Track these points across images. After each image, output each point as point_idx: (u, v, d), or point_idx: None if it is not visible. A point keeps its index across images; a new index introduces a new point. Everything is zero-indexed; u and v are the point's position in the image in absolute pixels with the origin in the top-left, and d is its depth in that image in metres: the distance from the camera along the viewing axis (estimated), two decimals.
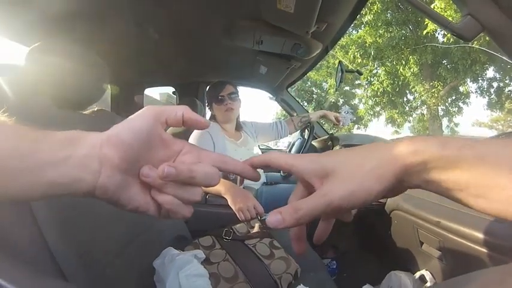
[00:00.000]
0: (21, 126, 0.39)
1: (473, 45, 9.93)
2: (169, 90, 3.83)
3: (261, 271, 1.22)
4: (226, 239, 1.37)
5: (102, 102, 1.33)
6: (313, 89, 21.82)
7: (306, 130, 2.51)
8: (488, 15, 0.84)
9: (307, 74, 3.22)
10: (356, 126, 19.56)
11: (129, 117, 0.43)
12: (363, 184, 0.40)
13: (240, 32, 1.99)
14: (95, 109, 1.35)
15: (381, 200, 1.70)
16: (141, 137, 0.42)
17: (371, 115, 18.19)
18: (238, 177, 1.80)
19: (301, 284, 1.19)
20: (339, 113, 2.56)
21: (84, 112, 1.29)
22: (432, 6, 11.78)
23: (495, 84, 16.09)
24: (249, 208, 1.57)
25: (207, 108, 2.52)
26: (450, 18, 0.92)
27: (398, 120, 18.05)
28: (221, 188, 1.69)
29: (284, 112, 3.50)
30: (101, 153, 0.40)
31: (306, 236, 0.53)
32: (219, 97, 2.18)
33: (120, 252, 1.05)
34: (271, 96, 3.49)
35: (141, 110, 0.44)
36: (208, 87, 2.40)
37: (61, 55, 1.07)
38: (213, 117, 2.30)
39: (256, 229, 1.49)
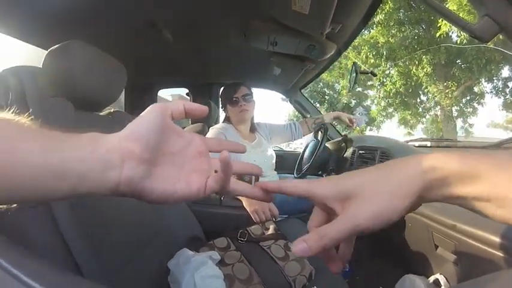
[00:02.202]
0: (44, 128, 0.42)
1: (488, 45, 9.82)
2: (181, 91, 3.85)
3: (276, 273, 1.22)
4: (241, 240, 1.38)
5: (116, 104, 1.34)
6: (326, 90, 21.75)
7: (320, 132, 2.50)
8: (506, 15, 0.83)
9: (320, 75, 3.22)
10: (368, 127, 19.44)
11: (140, 115, 0.46)
12: (387, 204, 0.40)
13: (255, 33, 1.99)
14: (111, 110, 1.36)
15: None
16: (155, 129, 0.44)
17: (384, 116, 18.03)
18: (253, 179, 1.79)
19: (315, 286, 1.19)
20: (353, 114, 2.55)
21: (101, 113, 1.31)
22: (446, 6, 11.69)
23: (511, 84, 15.79)
24: (264, 210, 1.57)
25: (221, 109, 2.52)
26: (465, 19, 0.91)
27: (412, 121, 17.87)
28: None
29: (296, 113, 3.50)
30: (121, 147, 0.42)
31: None
32: (234, 99, 2.18)
33: (136, 253, 1.06)
34: (284, 97, 3.49)
35: (147, 109, 0.46)
36: (222, 88, 2.40)
37: (79, 57, 1.08)
38: (227, 119, 2.30)
39: (271, 231, 1.49)
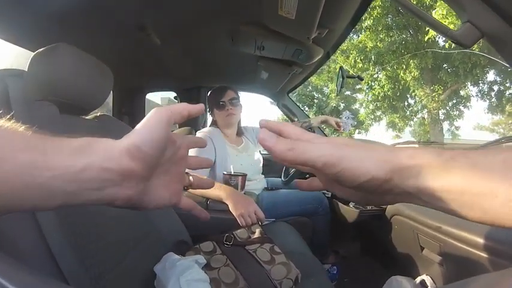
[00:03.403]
0: (31, 135, 0.38)
1: (473, 50, 9.96)
2: (171, 94, 3.84)
3: (262, 276, 1.22)
4: (227, 244, 1.37)
5: (104, 107, 1.33)
6: (314, 93, 21.88)
7: None
8: (487, 22, 0.85)
9: (308, 79, 3.22)
10: (357, 130, 19.57)
11: (144, 123, 0.42)
12: (362, 161, 0.39)
13: (242, 37, 2.00)
14: (98, 114, 1.36)
15: (381, 206, 1.70)
16: (161, 146, 0.43)
17: (372, 119, 18.19)
18: (239, 183, 1.80)
19: None
20: (340, 118, 2.56)
21: (87, 117, 1.30)
22: (433, 12, 11.86)
23: (496, 88, 16.05)
24: (249, 213, 1.57)
25: (208, 113, 2.52)
26: (452, 25, 0.93)
27: (399, 124, 18.06)
28: (222, 193, 1.69)
29: (285, 117, 3.51)
30: (121, 166, 0.39)
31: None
32: (220, 102, 2.18)
33: (122, 257, 1.05)
34: (272, 101, 3.50)
35: (154, 115, 0.43)
36: (209, 92, 2.40)
37: (65, 60, 1.07)
38: (214, 123, 2.30)
39: (257, 234, 1.49)
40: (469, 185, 0.35)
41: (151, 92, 3.74)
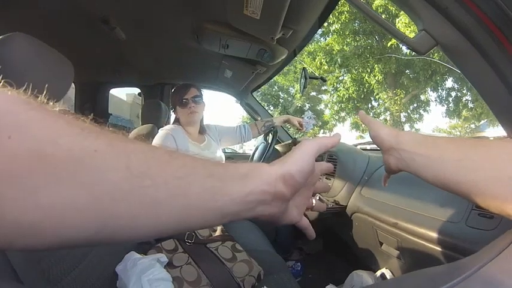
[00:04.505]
0: (208, 161, 0.41)
1: (433, 58, 10.35)
2: (136, 91, 3.80)
3: (224, 274, 1.23)
4: (188, 242, 1.37)
5: (66, 101, 1.29)
6: (280, 93, 21.97)
7: (270, 134, 2.53)
8: (442, 31, 0.89)
9: (274, 79, 3.26)
10: (321, 130, 19.80)
11: (298, 153, 0.48)
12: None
13: (207, 35, 1.99)
14: (58, 109, 1.32)
15: (342, 204, 1.76)
16: (309, 176, 0.48)
17: (336, 120, 18.47)
18: None
19: (265, 286, 1.20)
20: (302, 118, 2.59)
21: None
22: (397, 20, 12.25)
23: (453, 94, 16.73)
24: None
25: (171, 110, 2.50)
26: (413, 34, 0.97)
27: (363, 125, 18.38)
28: None
29: (249, 116, 3.52)
30: (276, 189, 0.44)
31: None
32: (183, 100, 2.17)
33: (81, 258, 1.03)
34: (236, 99, 3.50)
35: (306, 147, 0.49)
36: (172, 89, 2.38)
37: (22, 50, 1.03)
38: (177, 120, 2.28)
39: (218, 232, 1.49)
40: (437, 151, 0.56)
41: (114, 87, 3.69)
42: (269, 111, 3.65)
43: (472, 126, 16.54)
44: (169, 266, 1.20)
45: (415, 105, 17.74)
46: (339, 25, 15.07)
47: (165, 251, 1.30)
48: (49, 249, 0.31)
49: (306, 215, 0.59)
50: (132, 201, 0.32)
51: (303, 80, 2.41)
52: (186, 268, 1.22)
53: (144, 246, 1.33)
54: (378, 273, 1.46)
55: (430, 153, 0.57)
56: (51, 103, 0.36)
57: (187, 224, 0.39)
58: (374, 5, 13.22)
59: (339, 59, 15.45)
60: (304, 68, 2.43)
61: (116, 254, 1.15)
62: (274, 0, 1.47)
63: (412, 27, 10.95)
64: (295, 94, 20.37)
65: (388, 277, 1.41)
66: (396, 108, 16.28)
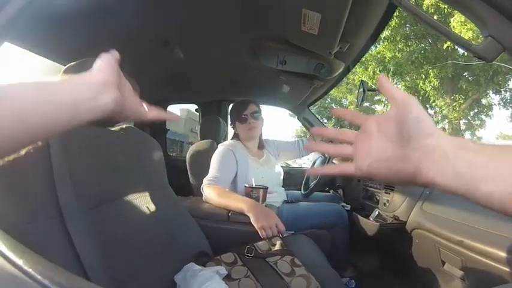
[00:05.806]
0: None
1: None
2: (190, 106, 3.91)
3: None
4: (248, 256, 1.38)
5: None
6: (333, 105, 21.76)
7: None
8: (509, 36, 0.86)
9: (328, 93, 3.23)
10: None
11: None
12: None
13: (265, 52, 2.03)
14: (123, 126, 1.39)
15: (401, 219, 1.70)
16: (115, 72, 0.62)
17: None
18: (261, 196, 1.81)
19: None
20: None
21: (113, 129, 1.34)
22: (452, 19, 11.72)
23: None
24: (271, 226, 1.57)
25: (229, 126, 2.55)
26: (471, 32, 0.95)
27: None
28: (244, 206, 1.69)
29: (303, 129, 3.51)
30: (99, 80, 0.56)
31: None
32: (242, 116, 2.21)
33: (144, 265, 1.08)
34: (292, 113, 3.51)
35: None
36: (231, 105, 2.43)
37: None
38: (236, 136, 2.32)
39: (277, 247, 1.49)
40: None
41: (173, 104, 3.83)
42: (323, 124, 3.62)
43: None
44: (228, 278, 1.21)
45: (475, 110, 16.79)
46: (389, 31, 14.59)
47: (224, 263, 1.31)
48: None
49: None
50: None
51: (361, 93, 2.38)
52: (244, 281, 1.22)
53: (203, 259, 1.36)
54: None
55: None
56: None
57: (30, 123, 0.47)
58: (424, 5, 12.66)
59: (391, 67, 15.03)
60: (362, 81, 2.40)
61: (174, 265, 1.19)
62: (331, 16, 1.47)
63: (469, 25, 10.48)
64: (349, 106, 20.07)
65: None
66: (455, 115, 15.43)
